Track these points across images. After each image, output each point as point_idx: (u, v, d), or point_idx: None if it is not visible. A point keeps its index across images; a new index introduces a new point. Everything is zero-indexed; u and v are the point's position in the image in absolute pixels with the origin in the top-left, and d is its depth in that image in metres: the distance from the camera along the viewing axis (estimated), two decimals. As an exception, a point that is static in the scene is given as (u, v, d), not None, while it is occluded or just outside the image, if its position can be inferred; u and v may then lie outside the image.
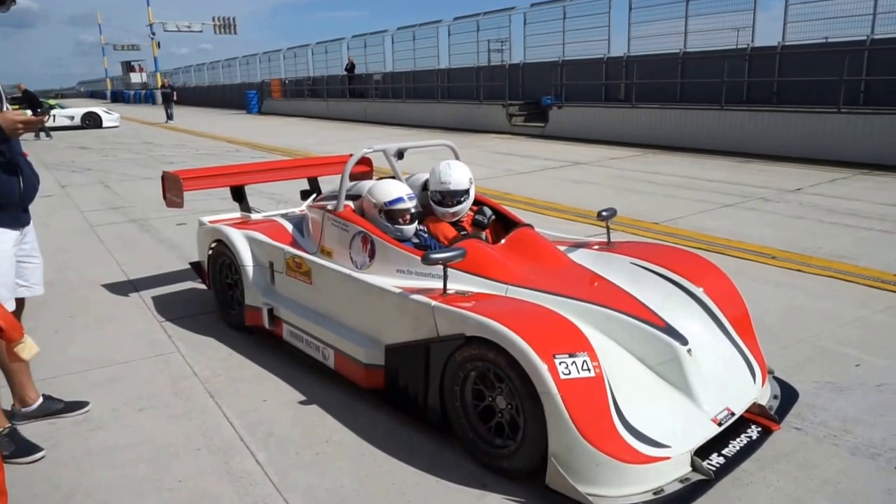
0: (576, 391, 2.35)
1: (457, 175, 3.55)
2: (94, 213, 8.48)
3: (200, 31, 43.64)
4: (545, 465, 2.42)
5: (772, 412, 2.87)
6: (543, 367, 2.35)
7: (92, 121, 24.91)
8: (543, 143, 15.30)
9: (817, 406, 3.08)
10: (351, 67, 27.33)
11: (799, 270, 5.14)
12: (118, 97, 54.44)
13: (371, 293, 3.19)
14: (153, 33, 41.96)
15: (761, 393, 2.93)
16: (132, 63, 63.30)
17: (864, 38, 11.97)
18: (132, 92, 54.61)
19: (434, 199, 3.60)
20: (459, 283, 3.02)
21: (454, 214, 3.60)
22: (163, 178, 4.86)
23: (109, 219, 8.06)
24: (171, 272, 5.64)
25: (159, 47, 43.23)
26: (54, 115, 24.35)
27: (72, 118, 24.61)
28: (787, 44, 13.33)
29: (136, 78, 61.42)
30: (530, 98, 18.44)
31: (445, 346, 2.73)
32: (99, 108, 26.27)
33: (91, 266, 5.97)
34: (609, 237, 3.63)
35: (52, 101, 26.43)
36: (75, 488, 2.65)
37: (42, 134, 20.92)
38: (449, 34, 22.82)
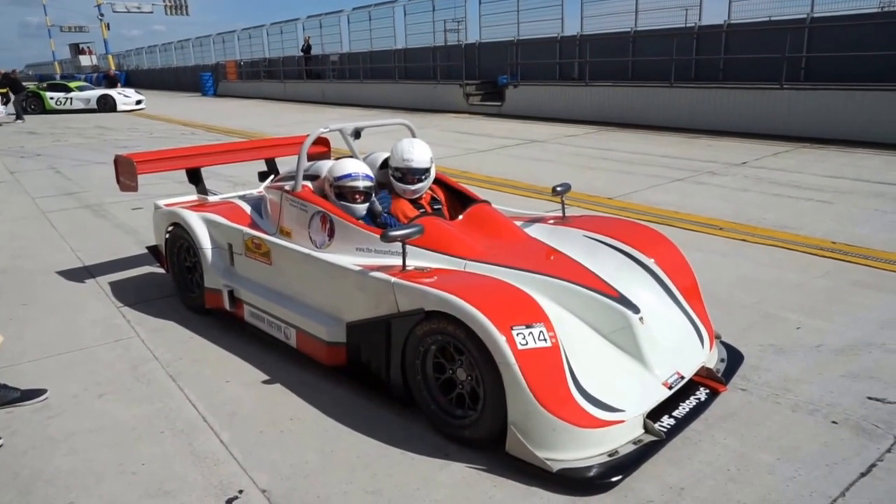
0: (533, 361, 2.44)
1: (418, 153, 3.57)
2: (46, 199, 8.23)
3: (151, 13, 42.02)
4: (505, 433, 2.51)
5: (719, 375, 3.03)
6: (501, 339, 2.43)
7: (107, 104, 23.67)
8: (500, 121, 15.37)
9: (761, 367, 3.25)
10: (307, 48, 26.83)
11: (744, 240, 5.35)
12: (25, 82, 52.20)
13: (331, 272, 3.21)
14: (101, 14, 40.18)
15: (709, 357, 3.08)
16: (81, 45, 60.61)
17: (805, 16, 12.34)
18: (83, 75, 52.53)
19: (395, 177, 3.61)
20: (419, 259, 3.07)
21: (414, 192, 3.62)
22: (115, 161, 4.76)
23: (62, 205, 7.84)
24: (127, 257, 5.54)
25: (108, 29, 41.43)
26: (71, 98, 23.55)
27: (87, 101, 23.69)
28: (732, 22, 13.63)
29: (86, 61, 58.80)
30: (487, 77, 18.47)
31: (406, 321, 2.78)
32: (114, 91, 24.77)
33: (44, 253, 5.82)
34: (564, 212, 3.72)
35: (73, 85, 24.89)
36: (35, 476, 2.63)
37: (14, 117, 20.23)
38: (405, 14, 22.61)
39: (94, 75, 46.98)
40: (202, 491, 2.50)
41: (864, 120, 9.88)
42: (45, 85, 25.31)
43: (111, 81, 27.43)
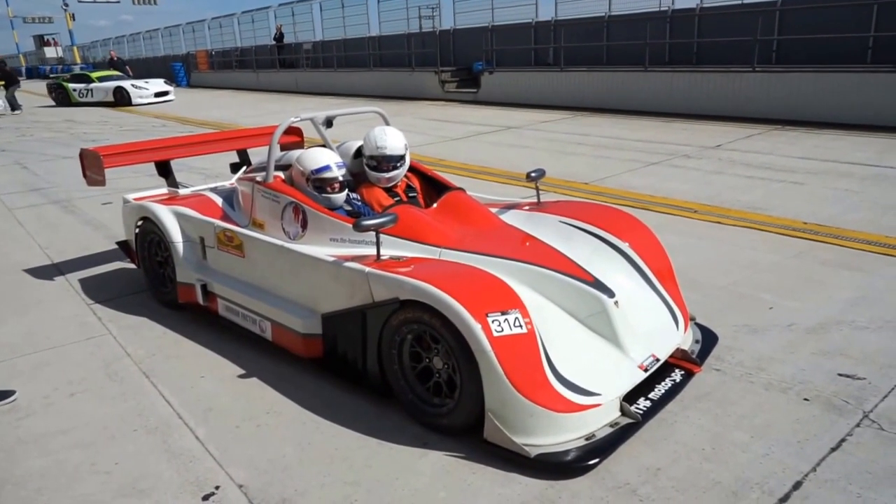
0: (509, 347, 2.44)
1: (392, 140, 3.53)
2: (12, 195, 8.03)
3: (118, 2, 41.01)
4: (483, 420, 2.51)
5: (693, 356, 3.06)
6: (477, 327, 2.42)
7: (122, 97, 20.82)
8: (476, 108, 15.32)
9: (735, 348, 3.29)
10: (280, 37, 26.44)
11: (719, 223, 5.41)
12: (33, 73, 50.67)
13: (305, 263, 3.18)
14: (66, 4, 39.21)
15: (684, 338, 3.11)
16: (45, 37, 59.15)
17: (776, -2, 12.43)
18: (48, 67, 51.07)
19: (369, 165, 3.56)
20: (393, 248, 3.05)
21: (389, 180, 3.58)
22: (81, 155, 4.67)
23: (29, 201, 7.66)
24: (98, 253, 5.44)
25: (74, 19, 40.47)
26: (92, 90, 21.63)
27: (106, 92, 21.32)
28: (705, 5, 13.70)
29: (51, 52, 57.36)
30: (462, 64, 18.37)
31: (381, 311, 2.76)
32: (128, 83, 21.49)
33: (11, 251, 5.68)
34: (539, 197, 3.72)
35: (94, 75, 22.68)
36: (5, 479, 2.58)
37: (8, 107, 19.64)
38: (378, 1, 22.38)
39: (59, 67, 45.59)
40: (178, 488, 2.47)
41: (833, 102, 10.01)
42: (68, 76, 23.83)
43: (117, 68, 24.80)
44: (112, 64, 26.32)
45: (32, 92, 27.91)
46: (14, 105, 19.83)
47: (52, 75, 27.40)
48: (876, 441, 2.52)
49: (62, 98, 22.31)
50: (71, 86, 22.19)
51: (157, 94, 21.28)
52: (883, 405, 2.75)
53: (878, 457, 2.43)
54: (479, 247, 3.08)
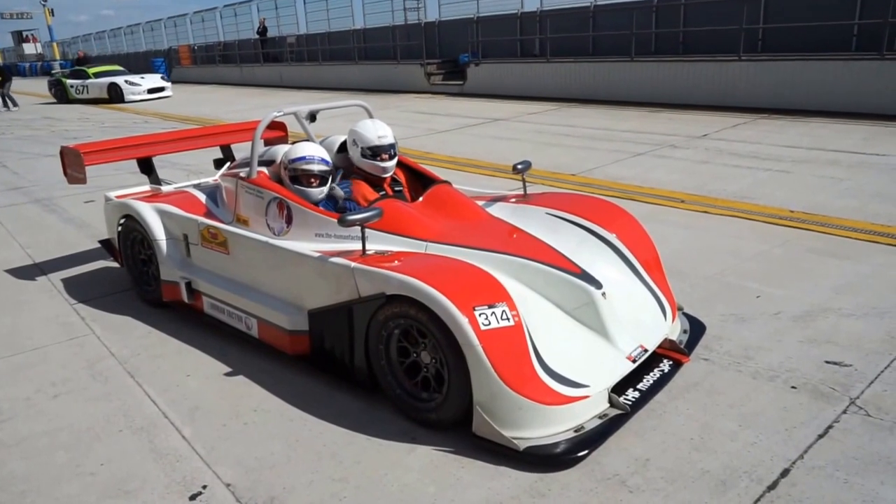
0: (496, 340, 2.43)
1: (386, 129, 3.52)
2: (-9, 195, 7.93)
3: (98, -4, 40.53)
4: (471, 414, 2.50)
5: (681, 346, 3.06)
6: (464, 320, 2.41)
7: (116, 94, 20.24)
8: (462, 100, 15.26)
9: (723, 337, 3.30)
10: (263, 30, 26.20)
11: (706, 212, 5.42)
12: (11, 70, 49.92)
13: (290, 259, 3.15)
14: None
15: (672, 329, 3.11)
16: (24, 33, 58.30)
17: (761, -14, 12.46)
18: (27, 64, 50.27)
19: (366, 156, 3.47)
20: (379, 243, 3.02)
21: (385, 170, 3.51)
22: (62, 153, 4.60)
23: (9, 200, 7.56)
24: (81, 252, 5.37)
25: (52, 15, 39.85)
26: (88, 86, 20.94)
27: (101, 89, 20.68)
28: (690, -6, 13.72)
29: (30, 49, 56.53)
30: (448, 56, 18.32)
31: (367, 306, 2.74)
32: (121, 79, 20.89)
33: (-10, 252, 5.60)
34: (525, 190, 3.70)
35: (91, 71, 21.91)
36: (-12, 482, 2.54)
37: (10, 103, 19.33)
38: (362, -8, 22.23)
39: (39, 64, 44.83)
40: (164, 489, 2.44)
41: (819, 90, 10.05)
42: (68, 72, 23.33)
43: (80, 64, 24.45)
44: (78, 62, 26.06)
45: (20, 92, 27.45)
46: (10, 101, 19.56)
47: (53, 72, 26.98)
48: (862, 427, 2.53)
49: (61, 95, 21.91)
50: (69, 82, 21.79)
51: (151, 91, 20.87)
52: (869, 391, 2.76)
53: (865, 443, 2.44)
54: (466, 240, 3.06)
